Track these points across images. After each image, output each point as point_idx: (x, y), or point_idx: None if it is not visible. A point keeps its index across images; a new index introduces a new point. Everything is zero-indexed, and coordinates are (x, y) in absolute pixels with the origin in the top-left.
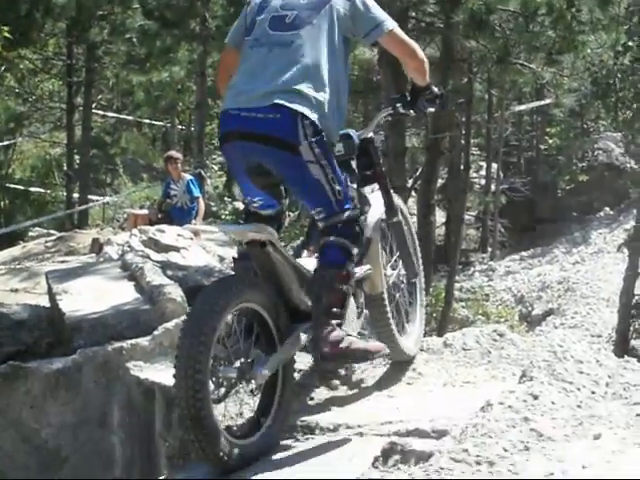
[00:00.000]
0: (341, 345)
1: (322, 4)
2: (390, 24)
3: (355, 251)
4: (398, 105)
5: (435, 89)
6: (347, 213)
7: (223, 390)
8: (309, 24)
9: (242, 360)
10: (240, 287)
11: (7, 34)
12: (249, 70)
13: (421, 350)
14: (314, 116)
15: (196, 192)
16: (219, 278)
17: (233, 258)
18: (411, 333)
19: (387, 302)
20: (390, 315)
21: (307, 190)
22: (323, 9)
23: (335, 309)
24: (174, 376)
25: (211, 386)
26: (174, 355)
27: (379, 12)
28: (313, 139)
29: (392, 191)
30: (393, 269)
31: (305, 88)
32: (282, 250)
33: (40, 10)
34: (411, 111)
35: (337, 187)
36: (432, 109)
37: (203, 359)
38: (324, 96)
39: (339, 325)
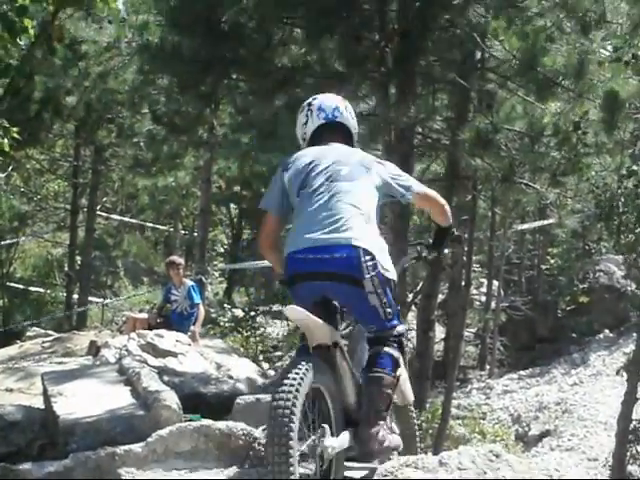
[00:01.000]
0: (385, 444)
1: (371, 162)
2: (416, 187)
3: (401, 361)
4: (421, 249)
5: (454, 230)
6: (396, 328)
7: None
8: (361, 178)
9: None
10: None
11: (16, 134)
12: (312, 216)
13: (416, 468)
14: (374, 252)
15: (197, 298)
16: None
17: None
18: None
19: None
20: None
21: (365, 314)
22: (369, 169)
23: (383, 411)
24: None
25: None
26: (167, 462)
27: (404, 176)
28: (373, 272)
29: None
30: None
31: (363, 230)
32: (346, 355)
33: (49, 111)
34: (434, 254)
35: (388, 310)
36: (452, 249)
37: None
38: (376, 236)
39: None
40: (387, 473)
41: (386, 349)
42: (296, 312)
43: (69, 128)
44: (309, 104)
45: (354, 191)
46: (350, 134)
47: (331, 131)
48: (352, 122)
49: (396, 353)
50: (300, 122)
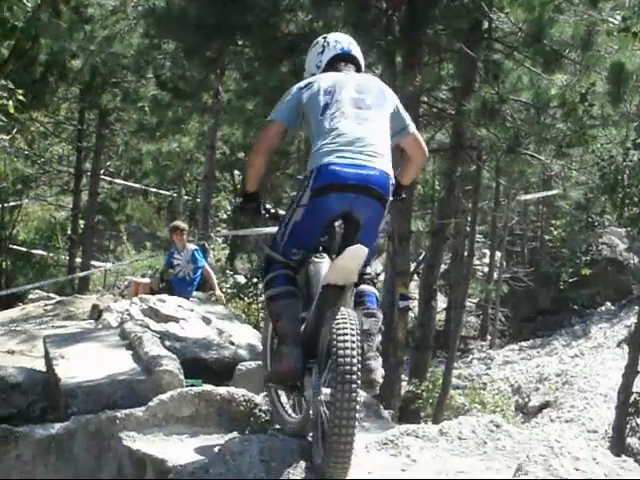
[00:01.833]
0: (382, 375)
1: (387, 94)
2: (414, 126)
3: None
4: None
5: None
6: (370, 268)
7: None
8: (382, 107)
9: None
10: None
11: (21, 96)
12: (345, 138)
13: (416, 437)
14: (393, 180)
15: (201, 262)
16: None
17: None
18: None
19: None
20: None
21: (369, 237)
22: (389, 99)
23: (379, 345)
24: None
25: None
26: (168, 427)
27: (406, 114)
28: (391, 198)
29: None
30: None
31: (389, 160)
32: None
33: (54, 74)
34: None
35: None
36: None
37: None
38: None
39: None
40: (387, 441)
41: (370, 288)
42: (360, 251)
43: (74, 91)
44: (324, 37)
45: (379, 120)
46: (360, 69)
47: (344, 63)
48: (362, 60)
49: (377, 293)
50: (315, 52)
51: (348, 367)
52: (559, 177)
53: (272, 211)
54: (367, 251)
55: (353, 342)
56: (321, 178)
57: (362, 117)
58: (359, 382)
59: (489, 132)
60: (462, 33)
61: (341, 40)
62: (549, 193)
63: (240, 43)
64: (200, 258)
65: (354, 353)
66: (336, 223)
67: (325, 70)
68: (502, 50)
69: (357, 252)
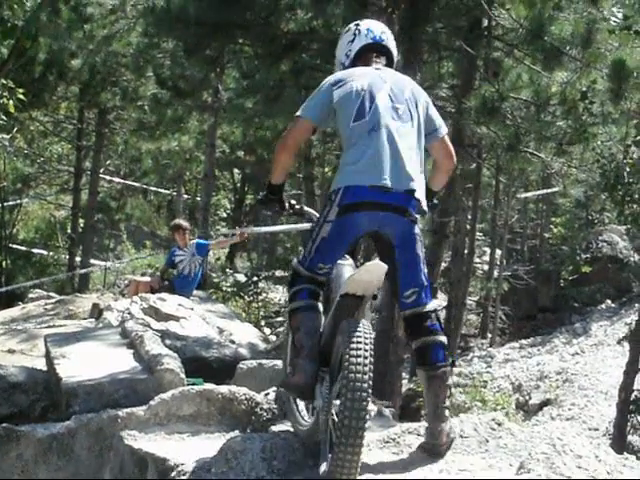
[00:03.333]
0: (451, 436)
1: (420, 98)
2: (444, 129)
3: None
4: None
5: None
6: (433, 303)
7: None
8: (414, 117)
9: None
10: None
11: (21, 95)
12: (376, 155)
13: (418, 435)
14: (422, 201)
15: (204, 243)
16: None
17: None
18: None
19: None
20: None
21: (410, 260)
22: (420, 103)
23: (448, 402)
24: None
25: None
26: (169, 426)
27: (437, 115)
28: (418, 217)
29: None
30: None
31: (419, 176)
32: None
33: (54, 73)
34: None
35: (425, 270)
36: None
37: None
38: (423, 181)
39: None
40: (389, 439)
41: (438, 338)
42: (380, 267)
43: (73, 90)
44: (357, 24)
45: (412, 134)
46: (392, 60)
47: (376, 54)
48: (395, 50)
49: (444, 338)
50: (345, 40)
51: (359, 382)
52: (559, 175)
53: (297, 207)
54: (386, 267)
55: (366, 356)
56: (348, 196)
57: (396, 131)
58: (369, 396)
59: (489, 130)
60: (462, 31)
61: (373, 28)
62: (549, 191)
63: (240, 41)
64: (202, 243)
65: (366, 369)
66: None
67: (355, 60)
68: (502, 48)
69: (375, 267)
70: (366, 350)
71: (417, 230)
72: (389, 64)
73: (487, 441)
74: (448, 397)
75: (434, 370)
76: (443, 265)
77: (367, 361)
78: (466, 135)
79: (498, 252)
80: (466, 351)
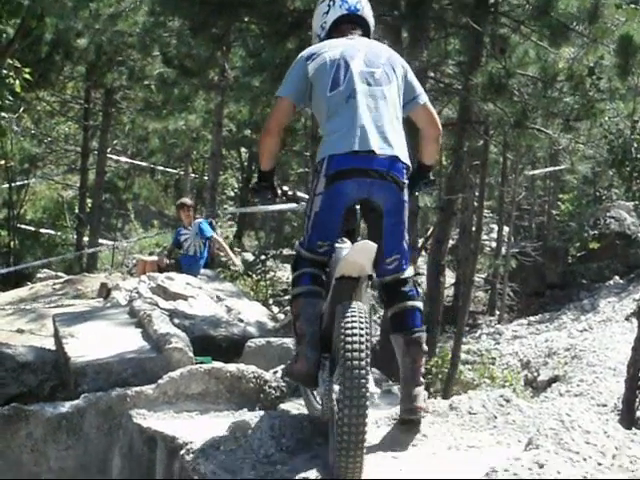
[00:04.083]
0: (426, 400)
1: (396, 63)
2: (425, 97)
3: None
4: None
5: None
6: (411, 270)
7: None
8: (392, 81)
9: None
10: None
11: (27, 75)
12: (357, 121)
13: (426, 412)
14: (407, 163)
15: (208, 232)
16: None
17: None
18: None
19: None
20: None
21: (395, 226)
22: (397, 68)
23: (423, 369)
24: None
25: None
26: (178, 404)
27: (417, 83)
28: (406, 182)
29: None
30: None
31: (400, 138)
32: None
33: (60, 53)
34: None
35: (407, 237)
36: (423, 193)
37: None
38: (405, 143)
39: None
40: (397, 417)
41: (414, 304)
42: (370, 246)
43: (80, 70)
44: None
45: (389, 97)
46: (368, 30)
47: (352, 24)
48: (371, 19)
49: (421, 304)
50: (320, 11)
51: (357, 365)
52: (566, 151)
53: (289, 193)
54: (376, 247)
55: (362, 341)
56: (334, 165)
57: (373, 95)
58: (368, 379)
59: (496, 107)
60: (468, 7)
61: None
62: (557, 168)
63: (246, 20)
64: (206, 229)
65: (362, 355)
66: (357, 206)
67: (330, 32)
68: (508, 24)
69: (365, 247)
70: (362, 335)
71: (405, 197)
72: (366, 34)
73: (495, 417)
74: (424, 363)
75: (411, 334)
76: (451, 242)
77: (363, 346)
78: (473, 112)
79: (506, 229)
80: (474, 328)
